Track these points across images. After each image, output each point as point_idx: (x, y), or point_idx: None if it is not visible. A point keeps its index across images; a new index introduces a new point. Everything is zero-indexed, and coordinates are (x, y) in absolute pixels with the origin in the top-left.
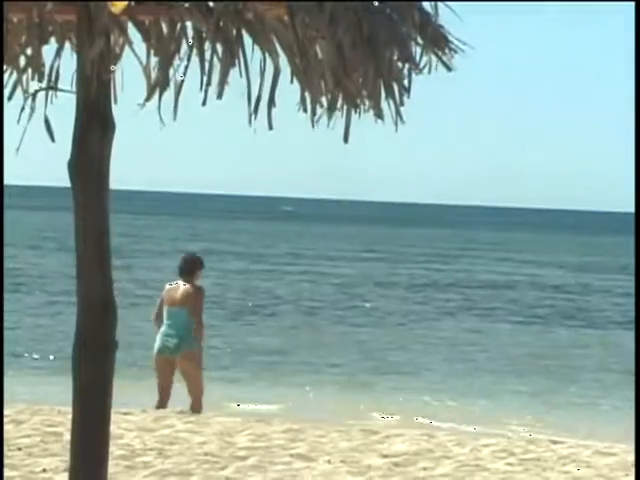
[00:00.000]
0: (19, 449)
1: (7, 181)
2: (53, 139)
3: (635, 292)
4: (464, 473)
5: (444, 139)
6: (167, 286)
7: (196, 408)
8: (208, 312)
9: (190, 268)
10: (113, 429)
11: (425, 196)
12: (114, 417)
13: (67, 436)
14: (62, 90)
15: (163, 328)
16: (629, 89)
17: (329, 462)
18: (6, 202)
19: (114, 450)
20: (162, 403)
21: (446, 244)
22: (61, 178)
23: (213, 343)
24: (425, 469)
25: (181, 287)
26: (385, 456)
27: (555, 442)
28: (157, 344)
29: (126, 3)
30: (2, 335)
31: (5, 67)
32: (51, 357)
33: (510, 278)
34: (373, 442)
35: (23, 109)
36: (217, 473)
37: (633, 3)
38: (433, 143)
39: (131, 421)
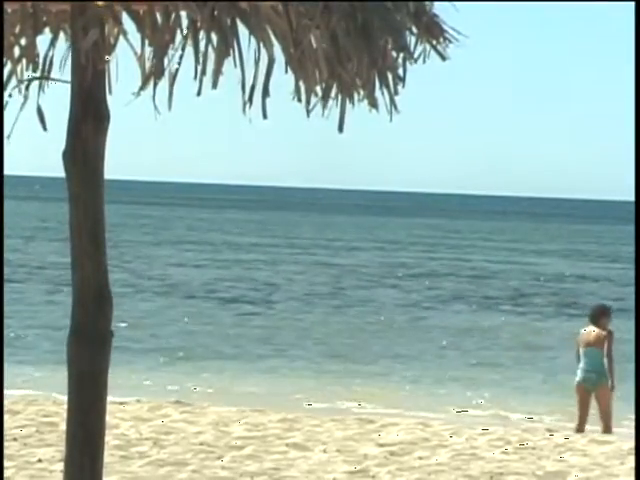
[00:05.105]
0: (14, 439)
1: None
2: (45, 128)
3: (635, 285)
4: (460, 462)
5: (443, 128)
6: (582, 331)
7: (606, 430)
8: (206, 301)
9: (596, 316)
10: (108, 419)
11: (423, 185)
12: (109, 407)
13: (63, 426)
14: (56, 80)
15: (581, 365)
16: (630, 77)
17: (325, 451)
18: None
19: (109, 440)
20: (581, 427)
21: (442, 233)
22: (56, 168)
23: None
24: (421, 458)
25: (593, 331)
26: (381, 445)
27: (551, 431)
28: (578, 378)
29: None
30: (2, 331)
31: None
32: (46, 347)
33: (505, 267)
34: (369, 431)
35: (22, 100)
36: (213, 463)
37: (633, 3)
38: (432, 132)
39: (127, 411)
